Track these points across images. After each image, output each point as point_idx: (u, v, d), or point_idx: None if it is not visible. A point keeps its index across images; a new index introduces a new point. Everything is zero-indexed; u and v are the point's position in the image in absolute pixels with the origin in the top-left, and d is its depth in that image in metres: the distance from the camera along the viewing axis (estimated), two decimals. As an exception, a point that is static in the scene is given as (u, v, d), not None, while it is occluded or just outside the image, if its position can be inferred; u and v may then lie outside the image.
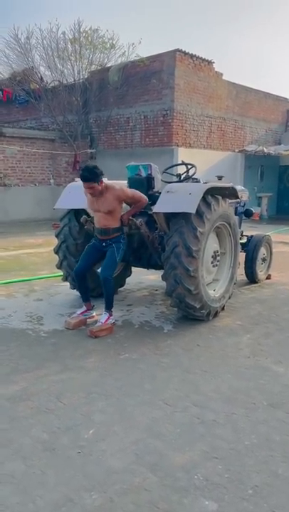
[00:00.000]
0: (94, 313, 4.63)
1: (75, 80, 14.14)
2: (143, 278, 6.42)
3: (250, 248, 6.38)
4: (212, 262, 4.81)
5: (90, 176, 4.15)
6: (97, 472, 2.30)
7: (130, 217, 4.57)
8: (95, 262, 4.60)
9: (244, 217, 6.99)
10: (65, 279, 5.30)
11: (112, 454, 2.45)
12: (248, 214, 6.88)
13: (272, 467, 2.36)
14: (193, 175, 5.48)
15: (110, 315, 4.38)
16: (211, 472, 2.31)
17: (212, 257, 4.80)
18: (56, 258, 5.28)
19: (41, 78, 14.76)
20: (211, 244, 4.78)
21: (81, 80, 14.21)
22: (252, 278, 6.47)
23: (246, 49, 50.99)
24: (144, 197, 4.55)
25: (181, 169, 5.67)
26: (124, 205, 4.90)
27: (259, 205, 17.01)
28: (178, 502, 2.10)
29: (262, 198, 17.06)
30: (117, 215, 4.46)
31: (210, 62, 14.08)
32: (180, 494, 2.15)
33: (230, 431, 2.68)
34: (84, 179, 4.18)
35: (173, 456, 2.43)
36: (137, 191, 4.57)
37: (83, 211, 4.95)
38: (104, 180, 4.32)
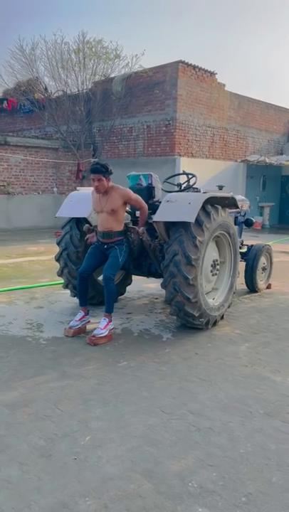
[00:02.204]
0: (90, 319, 4.66)
1: (78, 90, 14.32)
2: (143, 286, 6.45)
3: (251, 257, 6.41)
4: (211, 271, 4.85)
5: (101, 168, 4.38)
6: (92, 478, 2.32)
7: (133, 227, 4.68)
8: (99, 263, 4.64)
9: (245, 227, 7.04)
10: (66, 286, 5.34)
11: (107, 460, 2.47)
12: (248, 223, 6.93)
13: (267, 475, 2.37)
14: (193, 185, 5.54)
15: (109, 321, 4.39)
16: (206, 480, 2.32)
17: (211, 265, 4.83)
18: (57, 266, 5.32)
19: (45, 88, 14.94)
20: (211, 253, 4.82)
21: (85, 90, 14.39)
22: (252, 287, 6.49)
23: (251, 59, 51.44)
24: (146, 205, 4.67)
25: (183, 179, 5.74)
26: (125, 214, 5.00)
27: (261, 214, 17.08)
28: (172, 509, 2.11)
29: (264, 207, 17.12)
30: (120, 218, 4.54)
31: (212, 73, 14.23)
32: (174, 501, 2.16)
33: (225, 439, 2.70)
34: (94, 171, 4.39)
35: (168, 464, 2.45)
36: (140, 198, 4.66)
37: (85, 220, 5.02)
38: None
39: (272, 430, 2.81)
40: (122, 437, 2.70)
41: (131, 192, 4.61)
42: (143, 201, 4.66)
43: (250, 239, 11.04)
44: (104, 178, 4.36)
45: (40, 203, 14.09)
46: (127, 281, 5.84)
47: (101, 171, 4.35)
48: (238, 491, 2.24)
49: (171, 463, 2.46)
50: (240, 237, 6.83)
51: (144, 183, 5.19)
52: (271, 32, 53.92)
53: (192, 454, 2.54)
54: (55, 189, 14.74)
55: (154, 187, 5.18)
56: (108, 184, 4.43)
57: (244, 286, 6.53)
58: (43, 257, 9.02)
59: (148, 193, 5.14)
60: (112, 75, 14.56)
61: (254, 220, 7.12)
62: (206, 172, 13.80)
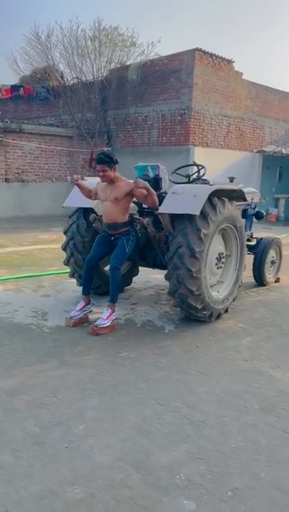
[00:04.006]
0: (92, 308, 4.69)
1: (94, 78, 14.25)
2: (150, 277, 6.46)
3: (259, 251, 6.35)
4: (216, 264, 4.82)
5: (106, 158, 4.35)
6: (82, 467, 2.36)
7: (139, 218, 4.66)
8: (106, 252, 4.66)
9: (255, 220, 6.96)
10: (72, 275, 5.39)
11: (99, 450, 2.51)
12: (258, 216, 6.85)
13: (255, 470, 2.38)
14: (202, 176, 5.50)
15: (112, 311, 4.41)
16: (194, 472, 2.34)
17: (216, 258, 4.81)
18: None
19: (62, 76, 14.91)
20: (216, 246, 4.79)
21: (100, 78, 14.30)
22: (260, 281, 6.44)
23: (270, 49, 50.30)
24: (156, 196, 4.56)
25: (194, 170, 5.70)
26: (132, 205, 4.99)
27: (276, 206, 16.87)
28: (157, 500, 2.14)
29: (279, 199, 16.89)
30: (124, 208, 4.54)
31: (230, 62, 13.99)
32: (160, 492, 2.19)
33: (217, 433, 2.71)
34: (99, 161, 4.37)
35: (158, 455, 2.48)
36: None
37: (92, 210, 5.04)
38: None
39: (265, 426, 2.81)
40: (116, 427, 2.73)
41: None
42: (153, 191, 4.58)
43: (263, 231, 10.94)
44: (109, 168, 4.35)
45: (54, 191, 14.14)
46: (133, 271, 5.86)
47: (105, 161, 4.34)
48: (225, 485, 2.26)
49: (161, 455, 2.49)
50: (250, 229, 6.77)
51: (152, 174, 5.17)
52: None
53: (183, 447, 2.56)
54: (68, 177, 14.70)
55: (161, 178, 5.14)
56: (114, 174, 4.41)
57: (252, 280, 6.48)
58: (54, 245, 9.06)
59: (155, 184, 5.09)
60: (128, 63, 14.44)
61: (264, 213, 7.03)
62: (221, 162, 13.65)
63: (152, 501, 2.13)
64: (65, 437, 2.61)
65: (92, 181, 5.11)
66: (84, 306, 4.57)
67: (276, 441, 2.65)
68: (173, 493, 2.19)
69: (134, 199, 5.09)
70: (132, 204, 5.02)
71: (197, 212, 4.24)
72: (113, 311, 4.42)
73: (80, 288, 5.34)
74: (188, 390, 3.24)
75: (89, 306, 4.64)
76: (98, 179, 4.90)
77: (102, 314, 4.40)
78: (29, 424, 2.73)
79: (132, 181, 4.48)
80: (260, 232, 8.77)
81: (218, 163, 13.31)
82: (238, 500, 2.15)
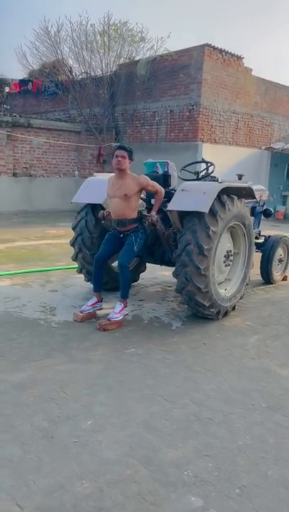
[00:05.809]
0: (102, 306, 4.72)
1: (102, 73, 14.21)
2: (157, 273, 6.46)
3: (267, 248, 6.34)
4: (224, 262, 4.82)
5: (127, 147, 4.52)
6: (90, 462, 2.38)
7: (147, 214, 4.67)
8: (115, 249, 4.69)
9: (263, 217, 6.94)
10: (80, 271, 5.40)
11: (107, 445, 2.53)
12: (267, 214, 6.83)
13: (263, 468, 2.39)
14: (211, 173, 5.48)
15: (125, 306, 4.47)
16: (201, 469, 2.36)
17: (225, 256, 4.81)
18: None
19: (70, 70, 14.88)
20: (225, 244, 4.79)
21: (109, 73, 14.26)
22: (267, 279, 6.43)
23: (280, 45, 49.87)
24: (162, 189, 4.68)
25: (202, 167, 5.68)
26: (140, 201, 4.99)
27: (284, 204, 16.77)
28: (165, 496, 2.16)
29: (287, 196, 16.79)
30: (133, 205, 4.55)
31: (239, 58, 13.88)
32: (168, 488, 2.21)
33: (225, 430, 2.72)
34: (120, 147, 4.53)
35: (166, 452, 2.49)
36: (156, 182, 4.67)
37: (100, 206, 5.04)
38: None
39: (272, 424, 2.82)
40: (123, 423, 2.75)
41: (147, 179, 4.60)
42: (158, 185, 4.66)
43: (271, 229, 10.89)
44: (127, 158, 4.42)
45: (61, 186, 14.16)
46: (140, 268, 5.86)
47: (127, 149, 4.46)
48: (233, 483, 2.27)
49: (168, 451, 2.50)
50: (258, 227, 6.75)
51: (161, 171, 5.17)
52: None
53: (190, 444, 2.57)
54: (76, 172, 14.79)
55: (170, 175, 5.15)
56: (128, 166, 4.46)
57: (260, 278, 6.47)
58: (62, 240, 9.08)
59: (164, 180, 5.11)
60: (137, 58, 14.37)
61: (272, 211, 7.01)
62: (229, 159, 13.58)
63: (160, 497, 2.15)
64: (73, 432, 2.64)
65: (101, 178, 5.12)
66: (96, 303, 4.61)
67: (283, 439, 2.66)
68: (181, 490, 2.20)
69: (143, 195, 5.12)
70: (141, 201, 5.03)
71: (206, 210, 4.24)
72: (125, 306, 4.48)
73: (88, 283, 5.39)
74: (196, 387, 3.25)
75: (100, 303, 4.67)
76: (107, 175, 4.92)
77: (115, 308, 4.44)
78: (38, 419, 2.76)
79: (140, 176, 4.54)
80: (268, 229, 8.75)
81: (226, 159, 13.24)
82: (246, 498, 2.16)
